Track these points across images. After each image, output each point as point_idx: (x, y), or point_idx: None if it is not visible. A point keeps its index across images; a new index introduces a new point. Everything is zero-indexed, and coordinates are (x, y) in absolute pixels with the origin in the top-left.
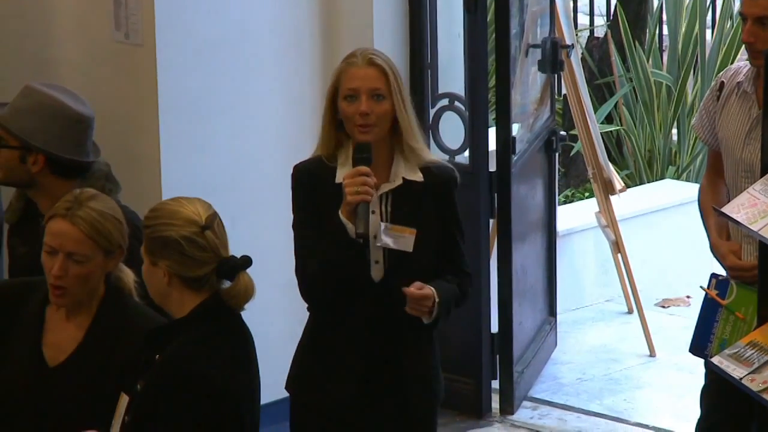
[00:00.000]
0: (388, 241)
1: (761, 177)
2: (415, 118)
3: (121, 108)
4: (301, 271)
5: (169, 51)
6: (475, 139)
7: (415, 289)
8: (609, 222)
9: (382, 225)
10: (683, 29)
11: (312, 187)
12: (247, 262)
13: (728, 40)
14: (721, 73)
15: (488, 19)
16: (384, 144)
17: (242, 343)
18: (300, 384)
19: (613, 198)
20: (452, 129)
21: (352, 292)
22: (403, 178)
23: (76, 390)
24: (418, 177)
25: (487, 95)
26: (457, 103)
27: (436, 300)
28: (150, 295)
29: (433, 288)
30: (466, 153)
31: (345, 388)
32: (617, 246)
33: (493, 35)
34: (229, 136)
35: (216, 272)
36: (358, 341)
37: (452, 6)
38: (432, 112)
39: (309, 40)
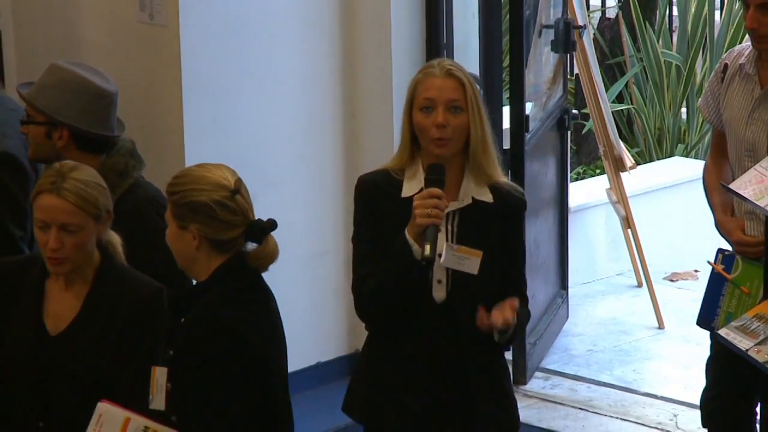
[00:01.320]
0: (453, 261)
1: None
2: (492, 134)
3: (146, 87)
4: (358, 288)
5: (192, 31)
6: (491, 116)
7: (497, 314)
8: (619, 198)
9: (447, 245)
10: (693, 10)
11: (376, 200)
12: (273, 224)
13: (736, 21)
14: (725, 55)
15: (502, 0)
16: (456, 160)
17: (265, 298)
18: (360, 412)
19: (623, 175)
20: None
21: (412, 313)
22: (473, 198)
23: (78, 356)
24: (488, 198)
25: (502, 75)
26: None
27: (514, 322)
28: (179, 261)
29: (514, 305)
30: None
31: (410, 417)
32: (627, 221)
33: (507, 16)
34: (250, 114)
35: (244, 234)
36: (419, 368)
37: None
38: None
39: (327, 21)
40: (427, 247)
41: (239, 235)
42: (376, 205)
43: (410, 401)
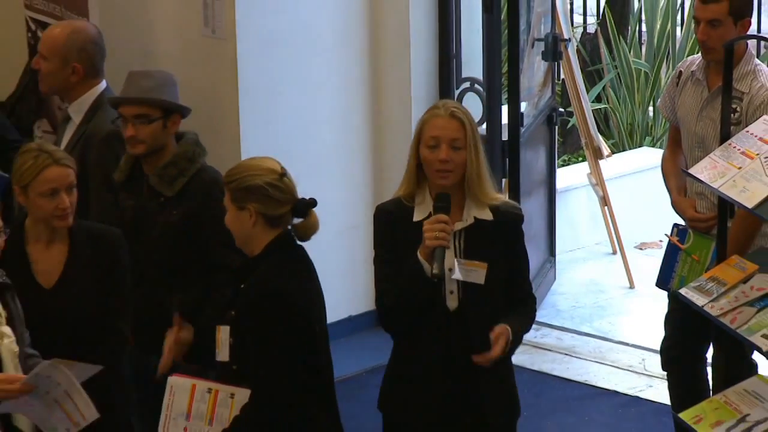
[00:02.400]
0: (461, 274)
1: (719, 146)
2: (486, 165)
3: (208, 90)
4: (379, 303)
5: (247, 44)
6: (491, 114)
7: (495, 343)
8: (598, 181)
9: (456, 260)
10: (658, 27)
11: (391, 226)
12: (315, 202)
13: (693, 36)
14: (679, 64)
15: (502, 18)
16: (459, 187)
17: (307, 266)
18: (387, 405)
19: (601, 162)
20: (473, 106)
21: (429, 320)
22: (475, 218)
23: (73, 301)
24: (488, 216)
25: (501, 79)
26: (476, 86)
27: (510, 338)
28: (237, 241)
29: (507, 326)
30: (484, 125)
31: (428, 407)
32: (604, 200)
33: (506, 31)
34: (294, 112)
35: (292, 211)
36: (436, 367)
37: (472, 7)
38: (456, 92)
39: (357, 35)
40: (436, 266)
41: (288, 211)
42: (391, 230)
43: (428, 397)
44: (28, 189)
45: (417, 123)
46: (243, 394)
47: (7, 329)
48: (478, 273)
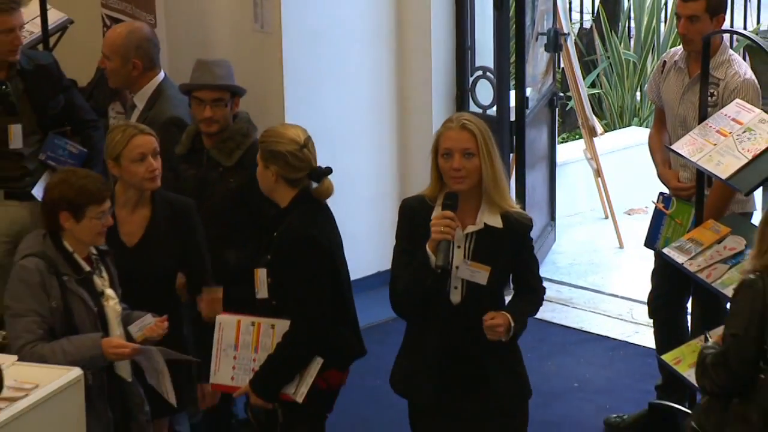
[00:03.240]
0: (466, 273)
1: (697, 126)
2: (502, 172)
3: (258, 77)
4: (392, 288)
5: (291, 38)
6: (500, 98)
7: (489, 318)
8: (592, 155)
9: (463, 260)
10: (645, 22)
11: (412, 219)
12: (329, 170)
13: (675, 31)
14: (664, 54)
15: (510, 15)
16: (475, 192)
17: (330, 218)
18: (396, 385)
19: (595, 139)
20: (485, 91)
21: (435, 311)
22: (485, 224)
23: (151, 259)
24: (498, 224)
25: (509, 68)
26: (487, 73)
27: (512, 324)
28: (263, 190)
29: (508, 313)
30: (494, 108)
31: (432, 387)
32: (598, 172)
33: (514, 26)
34: (332, 96)
35: (308, 176)
36: (438, 354)
37: (484, 5)
38: (471, 79)
39: (386, 31)
40: (439, 257)
41: (304, 176)
42: (412, 224)
43: (434, 379)
44: (120, 158)
45: (435, 135)
46: (282, 325)
47: (111, 292)
48: (481, 275)
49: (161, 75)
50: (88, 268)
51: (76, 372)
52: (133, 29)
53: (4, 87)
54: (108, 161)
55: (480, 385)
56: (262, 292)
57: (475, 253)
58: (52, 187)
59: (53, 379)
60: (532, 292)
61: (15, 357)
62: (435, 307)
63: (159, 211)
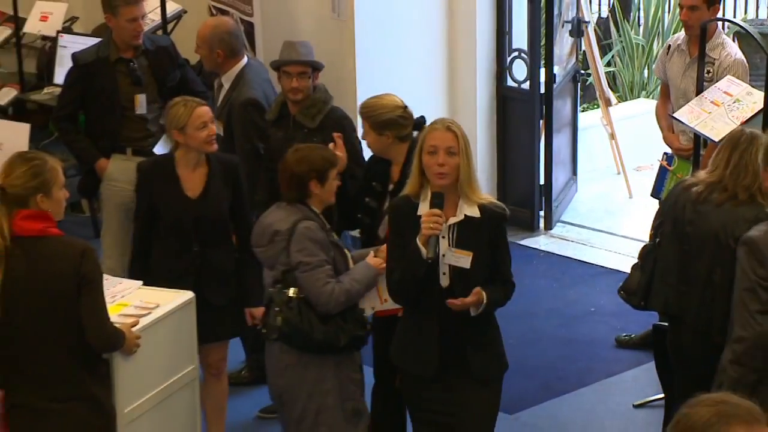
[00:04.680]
0: (452, 259)
1: (695, 97)
2: (475, 170)
3: (334, 57)
4: (388, 278)
5: (363, 25)
6: (532, 74)
7: (471, 295)
8: (608, 122)
9: (448, 248)
10: (652, 13)
11: (401, 217)
12: (424, 118)
13: (678, 19)
14: (669, 38)
15: (541, 5)
16: (454, 188)
17: None
18: (397, 356)
19: (610, 108)
20: (519, 69)
21: (426, 294)
22: (465, 215)
23: (210, 208)
24: (476, 213)
25: (540, 49)
26: (522, 54)
27: (485, 301)
28: (375, 153)
29: (484, 292)
30: (527, 83)
31: (428, 362)
32: (612, 135)
33: (544, 15)
34: (396, 72)
35: (413, 128)
36: (432, 330)
37: None
38: (508, 59)
39: (439, 18)
40: (429, 250)
41: (411, 131)
42: (400, 221)
43: (427, 352)
44: (185, 128)
45: (419, 137)
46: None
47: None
48: (465, 259)
49: (244, 60)
50: (327, 224)
51: (188, 295)
52: (217, 24)
53: (132, 64)
54: (173, 132)
55: (464, 358)
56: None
57: (458, 241)
58: (298, 162)
59: (170, 300)
60: (505, 284)
61: (140, 282)
62: (428, 291)
63: (214, 169)
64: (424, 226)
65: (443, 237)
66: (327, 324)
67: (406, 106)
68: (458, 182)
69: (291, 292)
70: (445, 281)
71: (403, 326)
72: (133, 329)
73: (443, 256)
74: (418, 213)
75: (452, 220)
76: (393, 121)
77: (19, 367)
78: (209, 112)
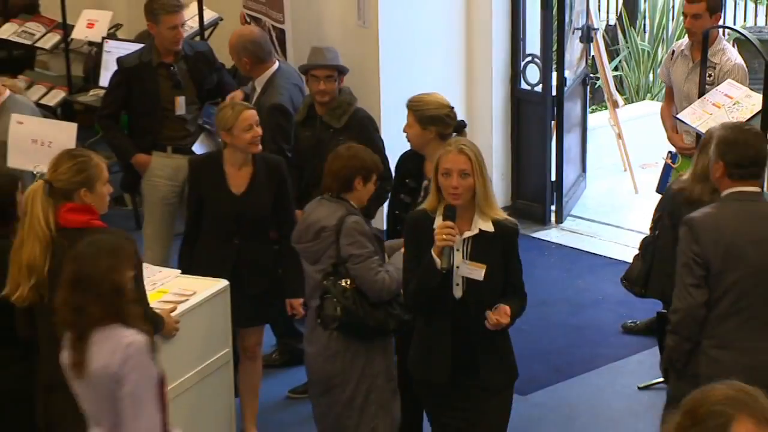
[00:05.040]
0: (466, 271)
1: (698, 99)
2: (491, 187)
3: (360, 61)
4: (404, 287)
5: (386, 32)
6: (545, 78)
7: (503, 315)
8: (615, 123)
9: (463, 261)
10: (657, 20)
11: (417, 231)
12: (465, 123)
13: (681, 26)
14: (673, 44)
15: (553, 14)
16: (470, 204)
17: None
18: (412, 365)
19: (617, 110)
20: (533, 73)
21: (440, 304)
22: (480, 229)
23: (253, 204)
24: (490, 228)
25: (552, 54)
26: (535, 59)
27: (509, 314)
28: (414, 146)
29: (509, 308)
30: (540, 86)
31: (441, 367)
32: (619, 135)
33: (556, 22)
34: (416, 76)
35: (455, 129)
36: (445, 340)
37: (533, 6)
38: (522, 63)
39: (457, 26)
40: (444, 260)
41: (451, 131)
42: (417, 234)
43: (440, 360)
44: (232, 129)
45: (436, 158)
46: None
47: None
48: (478, 272)
49: (275, 66)
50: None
51: (223, 283)
52: (242, 34)
53: (172, 68)
54: (221, 132)
55: (475, 366)
56: None
57: (472, 254)
58: (350, 158)
59: (206, 287)
60: (519, 295)
61: (179, 271)
62: (442, 302)
63: (259, 168)
64: (437, 237)
65: (458, 250)
66: (378, 311)
67: (452, 107)
68: (475, 200)
69: (345, 282)
70: (458, 292)
71: (418, 336)
72: (172, 315)
73: (457, 268)
74: (435, 226)
75: (467, 234)
76: (439, 118)
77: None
78: (255, 116)
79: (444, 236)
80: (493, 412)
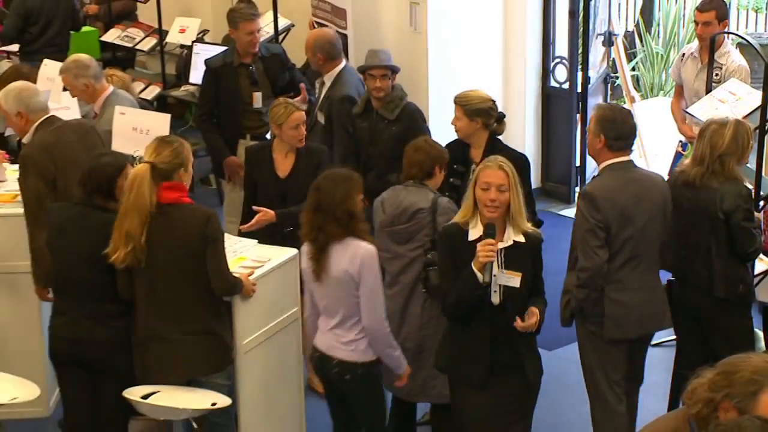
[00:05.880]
0: (503, 280)
1: (705, 96)
2: (523, 202)
3: (411, 62)
4: (443, 299)
5: (434, 36)
6: (571, 77)
7: (533, 318)
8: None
9: (500, 270)
10: (669, 26)
11: (452, 243)
12: (504, 115)
13: (691, 32)
14: (684, 47)
15: (580, 20)
16: (503, 217)
17: None
18: (448, 366)
19: (634, 105)
20: (561, 72)
21: (479, 311)
22: (513, 240)
23: (296, 185)
24: (522, 239)
25: (578, 56)
26: (563, 60)
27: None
28: (462, 136)
29: (537, 310)
30: (567, 83)
31: (482, 369)
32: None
33: (581, 28)
34: (460, 76)
35: (496, 120)
36: (485, 342)
37: (562, 14)
38: (552, 64)
39: (495, 32)
40: (486, 275)
41: (494, 122)
42: (452, 246)
43: (478, 358)
44: (282, 126)
45: (475, 172)
46: None
47: None
48: (515, 279)
49: (342, 64)
50: None
51: (293, 251)
52: (319, 34)
53: (250, 68)
54: (272, 125)
55: (518, 365)
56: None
57: (507, 263)
58: (430, 149)
59: (279, 255)
60: (544, 299)
61: (255, 240)
62: (479, 308)
63: (302, 155)
64: (480, 253)
65: (494, 262)
66: None
67: (494, 101)
68: (509, 213)
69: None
70: (496, 299)
71: (453, 340)
72: (250, 278)
73: (494, 276)
74: (469, 239)
75: (501, 245)
76: (484, 111)
77: (158, 308)
78: (303, 117)
79: (487, 253)
80: (531, 401)
